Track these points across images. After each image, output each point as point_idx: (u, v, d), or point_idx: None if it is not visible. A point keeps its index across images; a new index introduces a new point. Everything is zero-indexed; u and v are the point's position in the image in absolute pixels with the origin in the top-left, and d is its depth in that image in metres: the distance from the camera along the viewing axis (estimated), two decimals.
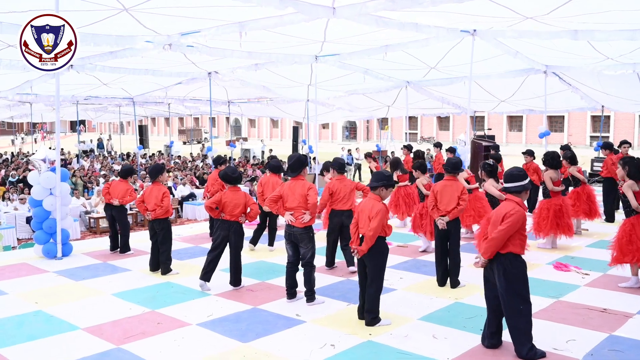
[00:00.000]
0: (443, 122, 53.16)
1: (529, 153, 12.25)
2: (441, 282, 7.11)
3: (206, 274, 7.05)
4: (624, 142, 12.87)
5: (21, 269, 8.05)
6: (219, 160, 10.17)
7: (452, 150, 14.14)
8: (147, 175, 9.41)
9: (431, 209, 7.14)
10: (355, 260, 6.17)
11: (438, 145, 16.48)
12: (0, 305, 6.47)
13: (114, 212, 9.28)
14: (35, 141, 47.08)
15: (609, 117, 42.47)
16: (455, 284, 7.07)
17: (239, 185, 7.18)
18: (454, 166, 7.27)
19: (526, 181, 5.03)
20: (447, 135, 51.89)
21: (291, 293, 6.57)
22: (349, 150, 26.82)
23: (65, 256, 8.68)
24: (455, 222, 7.12)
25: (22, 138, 51.75)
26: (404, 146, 14.50)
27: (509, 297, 4.89)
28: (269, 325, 5.80)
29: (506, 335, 5.09)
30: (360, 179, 22.92)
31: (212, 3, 9.03)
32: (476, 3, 9.13)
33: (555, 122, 46.01)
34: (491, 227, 5.01)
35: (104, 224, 13.18)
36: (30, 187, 15.20)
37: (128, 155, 31.82)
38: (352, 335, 5.50)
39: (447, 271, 7.12)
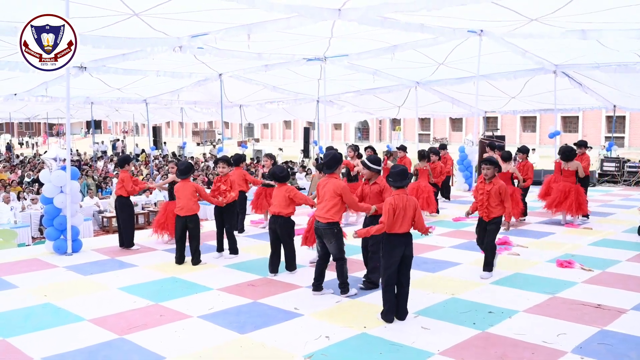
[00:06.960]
0: (456, 123, 53.05)
1: (523, 150, 12.06)
2: None
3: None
4: None
5: (32, 264, 8.30)
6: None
7: (403, 148, 13.97)
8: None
9: None
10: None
11: (444, 147, 16.30)
12: (10, 298, 6.71)
13: (117, 203, 9.47)
14: (37, 144, 48.07)
15: (624, 117, 42.11)
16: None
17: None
18: None
19: None
20: (460, 137, 51.67)
21: (317, 286, 6.71)
22: None
23: (75, 252, 8.92)
24: None
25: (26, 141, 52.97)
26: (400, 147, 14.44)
27: None
28: (267, 318, 5.96)
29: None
30: None
31: (219, 6, 9.24)
32: (480, 7, 9.23)
33: (570, 123, 45.71)
34: None
35: (116, 223, 13.42)
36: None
37: (143, 150, 32.19)
38: (347, 328, 5.64)
39: None
